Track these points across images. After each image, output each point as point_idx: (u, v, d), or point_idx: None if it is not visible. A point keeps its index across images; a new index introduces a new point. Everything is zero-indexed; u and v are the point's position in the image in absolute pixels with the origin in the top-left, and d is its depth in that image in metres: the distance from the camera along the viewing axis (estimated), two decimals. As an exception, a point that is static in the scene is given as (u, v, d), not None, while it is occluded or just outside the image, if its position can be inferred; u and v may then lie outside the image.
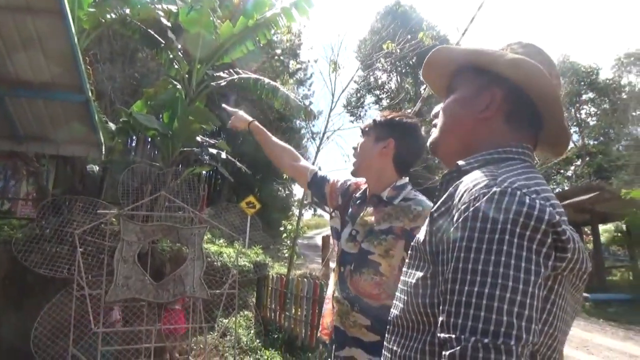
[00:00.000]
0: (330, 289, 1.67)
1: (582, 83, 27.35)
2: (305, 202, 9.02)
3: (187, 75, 7.66)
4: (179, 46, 7.47)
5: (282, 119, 18.64)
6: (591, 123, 27.92)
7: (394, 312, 0.86)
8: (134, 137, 14.56)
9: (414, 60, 23.69)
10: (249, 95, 9.72)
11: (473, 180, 0.74)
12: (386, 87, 30.22)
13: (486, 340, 0.60)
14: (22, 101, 4.63)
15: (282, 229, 9.84)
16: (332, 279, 1.68)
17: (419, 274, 0.81)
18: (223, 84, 7.77)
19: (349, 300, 1.51)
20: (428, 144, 1.01)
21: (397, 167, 1.62)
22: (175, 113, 6.81)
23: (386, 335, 0.88)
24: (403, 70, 28.59)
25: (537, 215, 0.65)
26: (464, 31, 6.07)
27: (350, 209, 1.69)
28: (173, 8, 7.27)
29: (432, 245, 0.78)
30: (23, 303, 4.91)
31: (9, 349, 4.54)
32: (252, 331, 5.96)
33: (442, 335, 0.66)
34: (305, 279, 5.72)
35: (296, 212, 12.22)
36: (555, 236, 0.66)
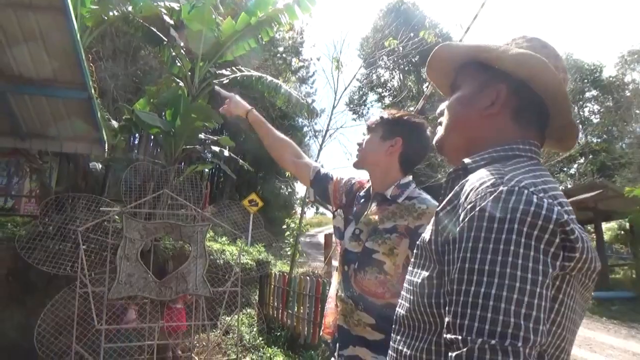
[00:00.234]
0: (333, 288, 1.66)
1: (586, 81, 27.23)
2: (307, 200, 9.01)
3: (189, 73, 7.66)
4: (182, 44, 7.47)
5: (285, 116, 18.65)
6: (594, 121, 27.79)
7: (400, 311, 0.86)
8: (137, 135, 14.61)
9: (416, 58, 23.64)
10: (252, 93, 9.70)
11: (479, 179, 0.73)
12: (389, 84, 30.15)
13: (493, 342, 0.59)
14: (25, 98, 4.64)
15: (284, 227, 9.82)
16: (335, 278, 1.67)
17: (425, 273, 0.80)
18: (225, 81, 7.78)
19: (353, 299, 1.50)
20: (434, 142, 1.00)
21: (403, 166, 1.61)
22: (177, 111, 6.82)
23: (392, 334, 0.87)
24: (406, 68, 28.50)
25: (544, 214, 0.64)
26: (467, 28, 6.04)
27: (354, 208, 1.68)
28: (175, 5, 7.28)
29: (437, 245, 0.77)
30: (26, 300, 4.93)
31: (12, 346, 4.55)
32: (254, 329, 5.97)
33: (449, 336, 0.65)
34: (308, 277, 5.72)
35: (298, 210, 12.22)
36: (564, 235, 0.65)
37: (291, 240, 9.69)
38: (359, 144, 1.69)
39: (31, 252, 4.76)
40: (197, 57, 7.50)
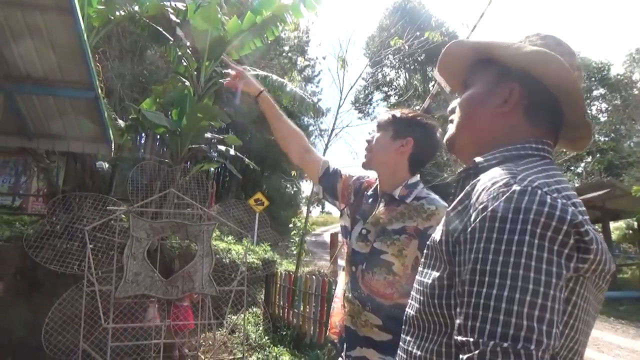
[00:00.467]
0: (340, 288, 1.65)
1: (593, 79, 27.01)
2: (313, 199, 9.01)
3: (195, 72, 7.68)
4: (188, 43, 7.49)
5: (290, 115, 18.31)
6: (602, 119, 27.54)
7: (410, 312, 0.85)
8: (143, 134, 14.64)
9: (422, 57, 23.56)
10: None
11: (491, 179, 0.71)
12: (394, 83, 30.09)
13: (505, 345, 0.58)
14: (33, 98, 4.67)
15: (291, 225, 9.84)
16: (342, 278, 1.65)
17: (435, 274, 0.79)
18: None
19: (360, 300, 1.49)
20: (444, 140, 0.99)
21: (411, 166, 1.59)
22: (183, 110, 6.84)
23: (401, 335, 0.86)
24: (411, 67, 28.42)
25: (558, 215, 0.63)
26: (473, 27, 6.00)
27: (362, 207, 1.66)
28: (181, 5, 7.29)
29: (448, 245, 0.76)
30: (34, 298, 4.96)
31: (20, 343, 4.59)
32: (260, 328, 5.98)
33: (460, 338, 0.64)
34: (314, 276, 5.72)
35: (304, 209, 12.22)
36: (578, 237, 0.64)
37: (297, 239, 9.71)
38: (368, 142, 1.66)
39: (39, 251, 4.80)
40: (202, 57, 7.51)
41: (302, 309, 5.52)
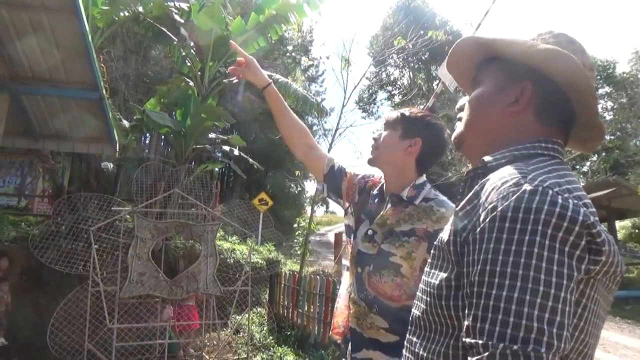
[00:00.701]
0: (344, 287, 1.63)
1: (599, 77, 26.83)
2: (317, 199, 9.01)
3: (199, 73, 7.69)
4: (192, 43, 7.50)
5: (294, 115, 18.59)
6: (608, 118, 27.36)
7: (416, 312, 0.84)
8: (148, 135, 14.70)
9: (426, 56, 23.51)
10: (261, 92, 9.72)
11: (501, 178, 0.70)
12: (398, 83, 30.01)
13: (515, 347, 0.57)
14: (38, 99, 4.70)
15: (295, 225, 9.84)
16: (346, 279, 1.63)
17: (443, 274, 0.77)
18: (235, 81, 7.79)
19: (366, 302, 1.46)
20: (452, 138, 0.97)
21: (419, 167, 1.56)
22: (188, 110, 6.86)
23: (407, 336, 0.85)
24: (415, 66, 28.35)
25: (570, 215, 0.62)
26: (477, 26, 5.98)
27: (367, 207, 1.63)
28: (185, 5, 7.31)
29: (456, 246, 0.74)
30: (39, 298, 4.98)
31: (25, 343, 4.61)
32: (264, 328, 5.98)
33: (468, 340, 0.63)
34: (318, 276, 5.70)
35: (308, 208, 12.22)
36: (590, 238, 0.62)
37: (301, 239, 9.70)
38: (375, 139, 1.62)
39: (44, 251, 4.82)
40: (206, 57, 7.52)
41: (306, 309, 5.51)
